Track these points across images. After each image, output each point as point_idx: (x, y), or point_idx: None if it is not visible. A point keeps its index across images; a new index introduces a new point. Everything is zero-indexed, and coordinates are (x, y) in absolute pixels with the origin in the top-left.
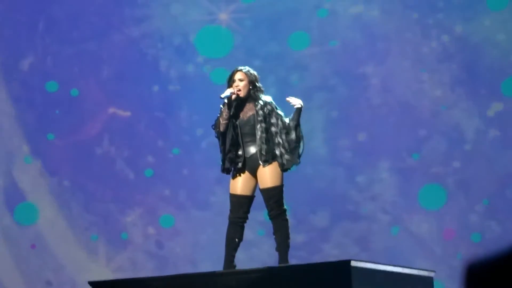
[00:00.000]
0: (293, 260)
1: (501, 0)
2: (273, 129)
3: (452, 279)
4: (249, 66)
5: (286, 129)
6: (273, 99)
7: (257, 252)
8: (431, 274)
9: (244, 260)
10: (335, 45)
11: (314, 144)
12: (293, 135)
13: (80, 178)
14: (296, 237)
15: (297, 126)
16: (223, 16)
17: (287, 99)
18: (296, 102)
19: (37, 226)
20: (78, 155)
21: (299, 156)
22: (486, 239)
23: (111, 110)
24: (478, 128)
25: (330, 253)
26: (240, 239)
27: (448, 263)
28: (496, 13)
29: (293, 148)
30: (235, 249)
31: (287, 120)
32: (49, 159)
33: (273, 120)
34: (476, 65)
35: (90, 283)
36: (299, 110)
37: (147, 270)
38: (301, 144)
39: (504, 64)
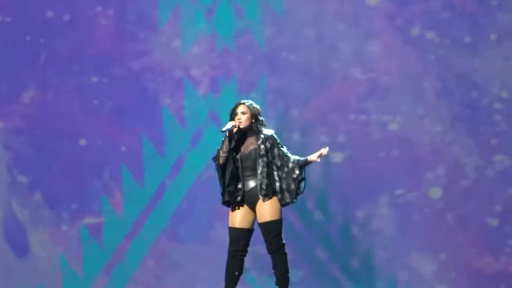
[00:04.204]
0: None
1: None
2: (274, 163)
3: None
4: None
5: (287, 166)
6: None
7: (257, 285)
8: None
9: None
10: (334, 80)
11: (313, 178)
12: (295, 173)
13: (78, 213)
14: (295, 272)
15: (303, 166)
16: (223, 49)
17: (324, 153)
18: (322, 155)
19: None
20: (81, 189)
21: (297, 194)
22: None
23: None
24: (478, 165)
25: None
26: (240, 272)
27: None
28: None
29: (293, 184)
30: (235, 283)
31: (290, 155)
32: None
33: (275, 155)
34: (476, 101)
35: None
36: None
37: None
38: (303, 184)
39: None
